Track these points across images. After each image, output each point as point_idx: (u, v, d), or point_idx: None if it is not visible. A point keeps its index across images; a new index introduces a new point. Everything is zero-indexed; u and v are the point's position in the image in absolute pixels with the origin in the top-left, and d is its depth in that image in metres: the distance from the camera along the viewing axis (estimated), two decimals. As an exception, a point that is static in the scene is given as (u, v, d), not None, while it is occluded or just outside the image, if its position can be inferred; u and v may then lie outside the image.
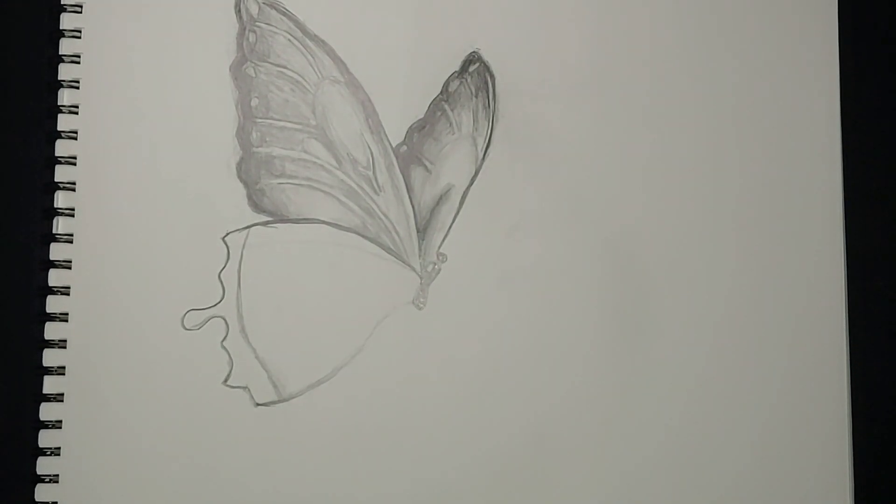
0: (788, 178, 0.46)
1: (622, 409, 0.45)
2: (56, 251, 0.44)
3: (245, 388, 0.44)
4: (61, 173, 0.45)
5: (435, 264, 0.45)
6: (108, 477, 0.44)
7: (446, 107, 0.46)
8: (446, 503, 0.44)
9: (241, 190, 0.45)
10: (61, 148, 0.45)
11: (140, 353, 0.44)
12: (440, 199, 0.45)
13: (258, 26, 0.46)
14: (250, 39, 0.46)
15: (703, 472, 0.44)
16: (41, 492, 0.43)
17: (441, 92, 0.46)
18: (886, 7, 0.48)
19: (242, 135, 0.45)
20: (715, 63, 0.46)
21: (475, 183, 0.45)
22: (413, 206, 0.45)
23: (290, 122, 0.46)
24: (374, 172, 0.45)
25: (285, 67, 0.46)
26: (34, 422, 0.44)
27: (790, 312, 0.45)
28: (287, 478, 0.44)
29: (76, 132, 0.45)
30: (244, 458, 0.44)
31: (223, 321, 0.44)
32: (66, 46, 0.45)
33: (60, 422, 0.44)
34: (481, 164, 0.46)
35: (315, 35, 0.46)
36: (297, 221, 0.45)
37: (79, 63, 0.45)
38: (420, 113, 0.46)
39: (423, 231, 0.45)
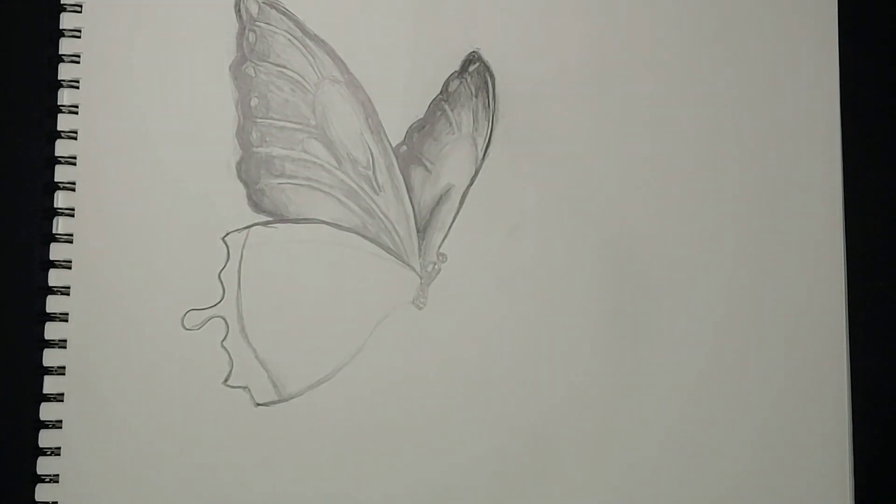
0: (788, 178, 0.46)
1: (622, 410, 0.45)
2: (56, 251, 0.44)
3: (245, 388, 0.44)
4: (61, 173, 0.45)
5: (435, 264, 0.45)
6: (108, 477, 0.44)
7: (446, 107, 0.46)
8: (446, 503, 0.44)
9: (241, 190, 0.45)
10: (61, 148, 0.45)
11: (140, 353, 0.44)
12: (440, 199, 0.45)
13: (258, 26, 0.46)
14: (250, 39, 0.46)
15: (703, 472, 0.44)
16: (41, 492, 0.43)
17: (441, 92, 0.46)
18: (886, 7, 0.48)
19: (242, 135, 0.45)
20: (715, 63, 0.46)
21: (475, 183, 0.45)
22: (413, 206, 0.45)
23: (290, 121, 0.46)
24: (374, 172, 0.45)
25: (285, 67, 0.46)
26: (34, 422, 0.44)
27: (790, 312, 0.45)
28: (287, 478, 0.44)
29: (76, 132, 0.45)
30: (244, 458, 0.44)
31: (223, 321, 0.44)
32: (66, 46, 0.45)
33: (60, 422, 0.44)
34: (481, 164, 0.46)
35: (315, 35, 0.46)
36: (297, 221, 0.45)
37: (79, 63, 0.45)
38: (420, 113, 0.46)
39: (423, 231, 0.45)
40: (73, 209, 0.45)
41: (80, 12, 0.46)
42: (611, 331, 0.44)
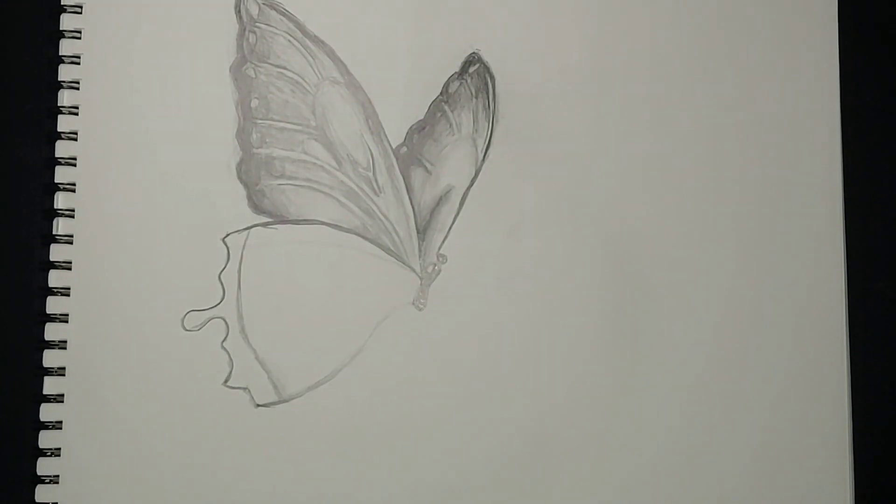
0: (788, 178, 0.46)
1: (622, 410, 0.45)
2: (56, 252, 0.44)
3: (245, 388, 0.44)
4: (61, 174, 0.45)
5: (435, 265, 0.45)
6: (108, 477, 0.44)
7: (446, 108, 0.46)
8: (446, 503, 0.44)
9: (242, 191, 0.45)
10: (61, 149, 0.45)
11: (140, 354, 0.44)
12: (440, 200, 0.45)
13: (258, 27, 0.46)
14: (250, 40, 0.46)
15: (704, 472, 0.44)
16: (41, 492, 0.43)
17: (441, 93, 0.46)
18: (886, 7, 0.48)
19: (242, 136, 0.45)
20: (715, 63, 0.46)
21: (475, 184, 0.45)
22: (413, 207, 0.45)
23: (290, 123, 0.46)
24: (374, 173, 0.45)
25: (285, 68, 0.46)
26: (34, 422, 0.44)
27: (790, 312, 0.45)
28: (287, 478, 0.44)
29: (76, 133, 0.45)
30: (244, 459, 0.44)
31: (223, 322, 0.44)
32: (66, 47, 0.45)
33: (60, 422, 0.44)
34: (481, 164, 0.46)
35: (315, 36, 0.46)
36: (297, 222, 0.45)
37: (79, 64, 0.45)
38: (420, 114, 0.46)
39: (423, 232, 0.45)
40: (73, 210, 0.45)
41: (81, 13, 0.46)
42: (611, 331, 0.44)
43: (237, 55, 0.46)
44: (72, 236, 0.44)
